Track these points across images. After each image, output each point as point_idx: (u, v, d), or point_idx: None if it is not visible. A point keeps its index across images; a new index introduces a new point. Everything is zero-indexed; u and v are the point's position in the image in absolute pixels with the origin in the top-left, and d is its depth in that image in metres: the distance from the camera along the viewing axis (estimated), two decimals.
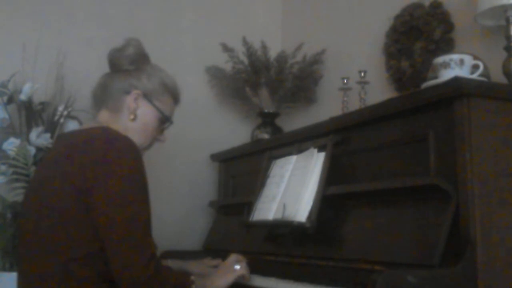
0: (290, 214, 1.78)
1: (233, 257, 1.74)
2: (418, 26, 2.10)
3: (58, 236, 1.43)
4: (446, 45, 2.00)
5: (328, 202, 1.72)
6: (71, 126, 2.20)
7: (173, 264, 1.93)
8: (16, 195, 2.05)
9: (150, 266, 1.41)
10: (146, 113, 1.66)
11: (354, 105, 2.22)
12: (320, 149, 1.83)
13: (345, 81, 2.29)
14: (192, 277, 1.55)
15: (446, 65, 1.58)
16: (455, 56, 1.59)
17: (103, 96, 1.67)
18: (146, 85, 1.66)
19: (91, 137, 1.51)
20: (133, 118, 1.64)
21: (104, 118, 1.65)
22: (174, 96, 1.74)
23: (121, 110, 1.64)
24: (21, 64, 2.19)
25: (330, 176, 1.75)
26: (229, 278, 1.65)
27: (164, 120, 1.71)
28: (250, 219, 2.01)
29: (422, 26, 2.08)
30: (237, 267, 1.68)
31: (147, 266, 1.40)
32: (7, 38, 2.32)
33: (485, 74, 1.65)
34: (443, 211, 1.38)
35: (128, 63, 1.67)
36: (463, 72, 1.56)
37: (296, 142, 1.98)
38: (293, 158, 1.94)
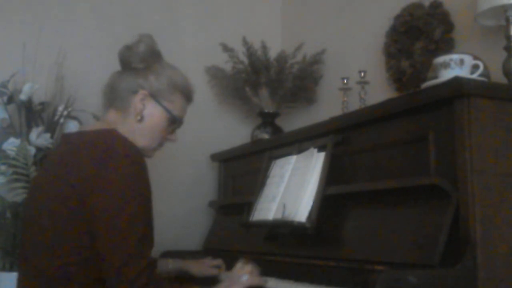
0: (290, 214, 1.78)
1: (238, 265, 1.68)
2: (418, 26, 2.10)
3: (57, 239, 1.42)
4: (446, 45, 2.00)
5: (328, 202, 1.72)
6: (71, 126, 2.20)
7: (173, 263, 1.92)
8: (16, 195, 2.05)
9: (142, 277, 1.37)
10: (153, 114, 1.61)
11: (354, 105, 2.22)
12: (320, 149, 1.83)
13: (345, 81, 2.29)
14: None
15: (446, 65, 1.58)
16: (455, 56, 1.59)
17: (111, 95, 1.63)
18: (154, 84, 1.61)
19: (93, 140, 1.49)
20: (140, 119, 1.59)
21: (112, 118, 1.61)
22: (186, 95, 1.68)
23: (128, 110, 1.60)
24: (21, 64, 2.19)
25: (330, 176, 1.74)
26: None
27: (174, 120, 1.66)
28: (250, 219, 2.01)
29: (422, 26, 2.08)
30: (245, 278, 1.62)
31: (138, 277, 1.36)
32: (7, 38, 2.32)
33: (485, 74, 1.65)
34: (443, 211, 1.38)
35: (137, 61, 1.62)
36: (463, 72, 1.56)
37: (296, 142, 1.98)
38: (293, 158, 1.94)
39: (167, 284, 1.49)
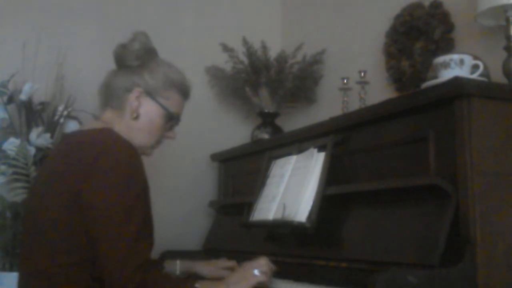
0: (290, 214, 1.78)
1: (259, 261, 1.60)
2: (418, 26, 2.10)
3: (57, 239, 1.42)
4: (446, 45, 2.00)
5: (328, 202, 1.72)
6: (71, 126, 2.20)
7: (181, 264, 1.88)
8: (16, 195, 2.05)
9: (136, 275, 1.36)
10: (149, 111, 1.62)
11: (354, 105, 2.22)
12: (320, 149, 1.83)
13: (345, 81, 2.28)
14: (197, 285, 1.47)
15: (446, 65, 1.58)
16: (455, 56, 1.59)
17: (107, 94, 1.64)
18: (149, 82, 1.61)
19: (89, 139, 1.49)
20: (136, 117, 1.60)
21: (108, 117, 1.62)
22: (182, 91, 1.68)
23: (124, 108, 1.61)
24: (21, 64, 2.19)
25: (330, 176, 1.74)
26: (246, 285, 1.52)
27: (170, 117, 1.66)
28: (250, 219, 2.01)
29: (422, 26, 2.08)
30: (257, 272, 1.55)
31: (132, 275, 1.35)
32: (7, 38, 2.32)
33: (485, 74, 1.65)
34: (443, 211, 1.38)
35: (132, 59, 1.62)
36: (463, 72, 1.56)
37: (296, 142, 1.98)
38: (293, 158, 1.94)
39: (170, 281, 1.47)
